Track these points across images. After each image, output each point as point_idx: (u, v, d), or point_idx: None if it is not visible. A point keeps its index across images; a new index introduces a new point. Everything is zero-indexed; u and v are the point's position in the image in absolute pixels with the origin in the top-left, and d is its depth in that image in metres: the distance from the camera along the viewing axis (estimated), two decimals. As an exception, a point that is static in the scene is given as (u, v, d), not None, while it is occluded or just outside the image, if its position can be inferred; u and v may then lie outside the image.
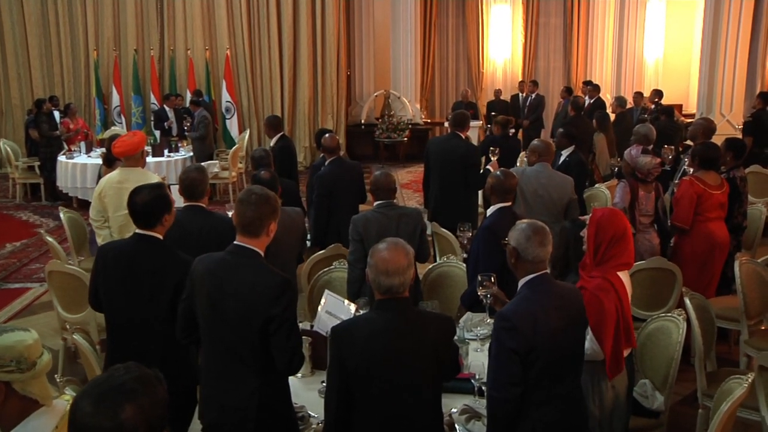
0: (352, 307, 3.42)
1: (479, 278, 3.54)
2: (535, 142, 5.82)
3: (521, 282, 2.84)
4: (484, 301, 3.57)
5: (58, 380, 3.04)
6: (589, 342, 3.13)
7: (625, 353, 3.30)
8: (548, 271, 2.86)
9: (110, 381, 1.64)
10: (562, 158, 6.82)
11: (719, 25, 11.44)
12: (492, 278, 3.52)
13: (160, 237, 3.31)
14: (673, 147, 6.92)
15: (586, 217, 3.57)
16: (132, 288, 3.25)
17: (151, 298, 3.22)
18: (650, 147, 6.15)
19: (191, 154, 10.53)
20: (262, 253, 2.86)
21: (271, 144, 7.31)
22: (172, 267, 3.22)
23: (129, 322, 3.29)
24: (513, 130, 10.09)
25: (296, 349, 2.78)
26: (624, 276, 3.31)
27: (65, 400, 2.15)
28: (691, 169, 5.48)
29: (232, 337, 2.78)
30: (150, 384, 1.66)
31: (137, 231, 3.32)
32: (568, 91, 12.59)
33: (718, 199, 5.19)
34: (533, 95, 13.11)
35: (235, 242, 2.87)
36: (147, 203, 3.27)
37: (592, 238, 3.26)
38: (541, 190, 5.34)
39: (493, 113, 11.87)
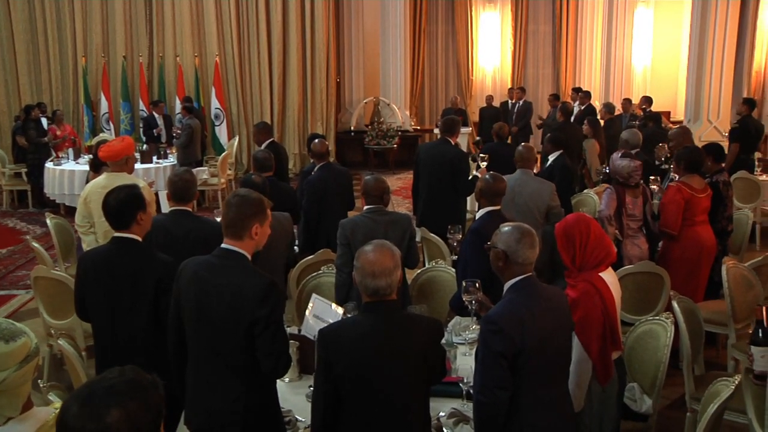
0: (340, 310, 3.40)
1: (464, 284, 3.52)
2: (518, 148, 5.82)
3: (507, 285, 2.82)
4: (470, 306, 3.56)
5: (42, 386, 3.02)
6: (576, 347, 3.13)
7: (614, 356, 3.30)
8: (533, 273, 2.85)
9: (101, 383, 1.58)
10: (548, 163, 6.83)
11: (706, 32, 11.54)
12: (477, 284, 3.50)
13: (138, 238, 3.30)
14: (666, 145, 6.97)
15: None
16: (112, 291, 3.24)
17: (132, 299, 3.21)
18: (634, 151, 6.18)
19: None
20: (249, 257, 2.84)
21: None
22: (149, 267, 3.21)
23: (113, 327, 3.27)
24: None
25: (282, 352, 2.76)
26: (610, 276, 3.31)
27: (54, 408, 2.06)
28: (677, 176, 5.51)
29: (219, 340, 2.76)
30: (142, 389, 1.59)
31: (115, 234, 3.31)
32: (555, 97, 12.64)
33: (704, 203, 5.23)
34: (521, 102, 13.14)
35: (221, 245, 2.85)
36: (120, 201, 3.27)
37: (563, 250, 3.25)
38: (517, 198, 5.32)
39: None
